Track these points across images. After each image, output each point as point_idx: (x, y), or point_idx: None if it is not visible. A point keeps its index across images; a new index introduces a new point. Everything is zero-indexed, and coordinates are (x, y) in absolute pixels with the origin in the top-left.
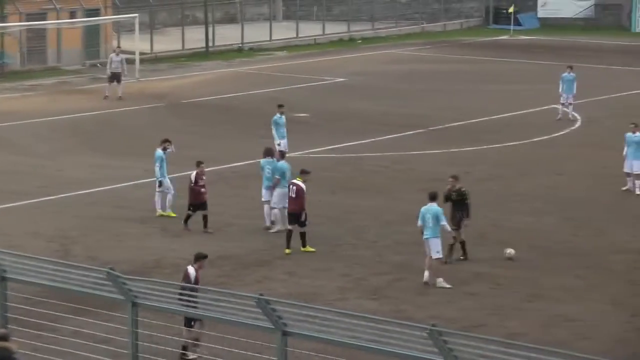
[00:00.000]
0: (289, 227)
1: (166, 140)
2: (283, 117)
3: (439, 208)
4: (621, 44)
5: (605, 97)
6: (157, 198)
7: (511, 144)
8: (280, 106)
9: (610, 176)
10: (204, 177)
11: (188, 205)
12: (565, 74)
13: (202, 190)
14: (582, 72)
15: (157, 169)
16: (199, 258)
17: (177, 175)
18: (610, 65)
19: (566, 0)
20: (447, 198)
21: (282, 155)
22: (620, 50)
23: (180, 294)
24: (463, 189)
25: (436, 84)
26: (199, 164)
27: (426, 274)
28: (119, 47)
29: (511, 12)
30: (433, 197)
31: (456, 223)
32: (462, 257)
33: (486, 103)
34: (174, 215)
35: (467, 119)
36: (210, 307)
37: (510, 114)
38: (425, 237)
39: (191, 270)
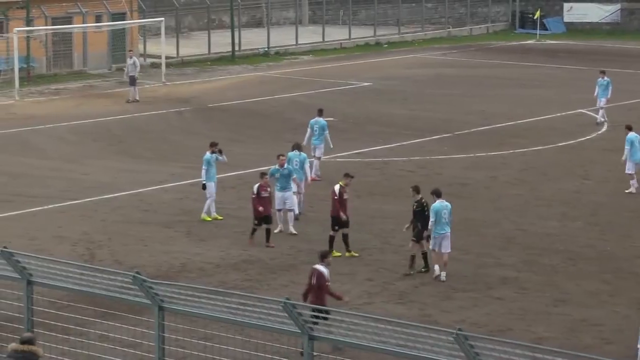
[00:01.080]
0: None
1: (215, 144)
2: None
3: (449, 204)
4: None
5: (632, 101)
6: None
7: (537, 148)
8: (321, 110)
9: None
10: (268, 189)
11: (253, 218)
12: (599, 79)
13: (263, 203)
14: (609, 76)
15: (203, 172)
16: (326, 255)
17: (197, 180)
18: (637, 70)
19: (592, 5)
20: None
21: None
22: None
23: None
24: (423, 200)
25: (462, 89)
26: (262, 175)
27: (436, 267)
28: (130, 50)
29: (537, 17)
30: (440, 194)
31: (416, 235)
32: (424, 269)
33: (512, 107)
34: (209, 219)
35: (492, 123)
36: (236, 311)
37: (536, 118)
38: (443, 232)
39: (322, 268)
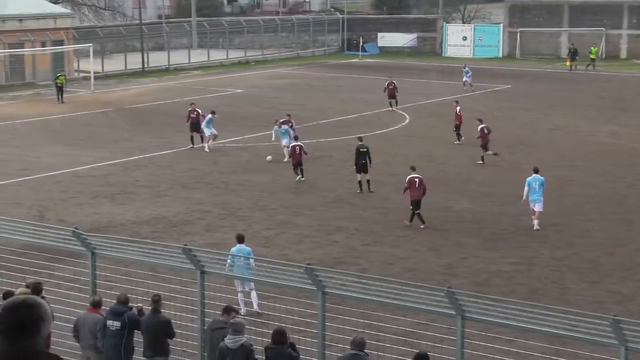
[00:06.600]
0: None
1: (214, 112)
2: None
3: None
4: (434, 65)
5: (424, 102)
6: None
7: (361, 135)
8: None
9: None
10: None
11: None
12: (276, 127)
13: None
14: (408, 85)
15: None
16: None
17: (118, 161)
18: (429, 79)
19: (398, 34)
20: None
21: None
22: (433, 69)
23: None
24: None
25: (307, 93)
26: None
27: (535, 222)
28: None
29: (360, 43)
30: (537, 170)
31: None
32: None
33: (343, 106)
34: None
35: (329, 117)
36: (148, 254)
37: (359, 114)
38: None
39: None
